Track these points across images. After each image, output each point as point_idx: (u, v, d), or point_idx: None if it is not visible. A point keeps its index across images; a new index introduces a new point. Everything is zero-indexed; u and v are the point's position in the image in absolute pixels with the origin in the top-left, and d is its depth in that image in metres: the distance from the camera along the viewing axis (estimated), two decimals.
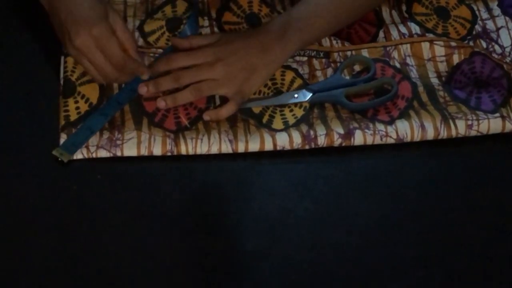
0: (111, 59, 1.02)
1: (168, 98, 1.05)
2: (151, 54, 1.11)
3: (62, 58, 1.08)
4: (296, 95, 1.08)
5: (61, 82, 1.07)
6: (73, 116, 1.04)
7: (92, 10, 1.01)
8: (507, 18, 1.19)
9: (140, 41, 1.12)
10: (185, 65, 1.07)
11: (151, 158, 1.02)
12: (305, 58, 1.12)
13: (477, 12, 1.20)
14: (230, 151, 1.03)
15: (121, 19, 1.04)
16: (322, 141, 1.04)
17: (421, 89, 1.10)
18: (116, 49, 1.02)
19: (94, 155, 1.01)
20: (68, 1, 1.01)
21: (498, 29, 1.18)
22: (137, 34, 1.13)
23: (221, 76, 1.05)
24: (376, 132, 1.05)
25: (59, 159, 1.00)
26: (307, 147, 1.04)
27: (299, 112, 1.07)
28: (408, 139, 1.05)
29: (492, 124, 1.06)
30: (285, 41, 1.08)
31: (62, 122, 1.03)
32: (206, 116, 1.05)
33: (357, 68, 1.12)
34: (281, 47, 1.07)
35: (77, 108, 1.05)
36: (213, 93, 1.07)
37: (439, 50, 1.13)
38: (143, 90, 1.06)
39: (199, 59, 1.06)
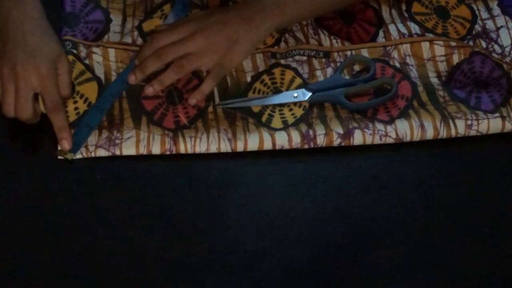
0: (46, 100, 1.00)
1: (154, 82, 1.05)
2: None
3: None
4: (295, 95, 1.08)
5: None
6: (72, 117, 1.03)
7: (48, 47, 1.01)
8: (507, 18, 1.19)
9: (140, 41, 1.12)
10: (168, 43, 1.06)
11: (151, 158, 1.02)
12: (304, 58, 1.12)
13: (477, 11, 1.20)
14: (229, 150, 1.03)
15: (69, 64, 1.04)
16: (321, 140, 1.04)
17: (420, 88, 1.10)
18: (55, 91, 1.01)
19: (93, 154, 1.01)
20: (23, 30, 1.00)
21: (498, 28, 1.18)
22: (136, 33, 1.13)
23: (202, 47, 1.05)
24: (376, 132, 1.05)
25: (63, 157, 1.00)
26: (306, 146, 1.04)
27: (299, 112, 1.07)
28: (408, 138, 1.05)
29: (491, 124, 1.06)
30: (266, 14, 1.07)
31: None
32: (192, 100, 1.05)
33: (356, 68, 1.12)
34: (261, 20, 1.07)
35: (76, 108, 1.04)
36: (195, 66, 1.06)
37: (439, 49, 1.13)
38: (132, 79, 1.06)
39: (180, 33, 1.06)
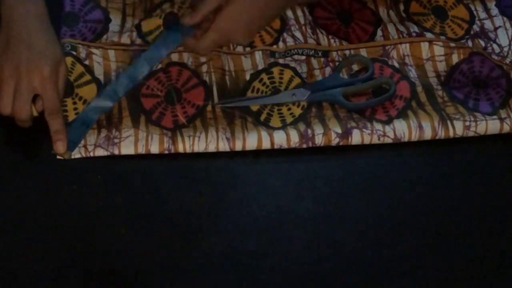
0: (46, 102, 0.99)
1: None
2: None
3: None
4: (294, 94, 1.08)
5: None
6: (71, 117, 1.03)
7: (52, 49, 0.99)
8: (505, 18, 1.19)
9: (138, 41, 1.11)
10: None
11: (151, 158, 1.02)
12: (303, 57, 1.12)
13: (474, 12, 1.20)
14: (227, 149, 1.03)
15: (67, 70, 1.02)
16: (319, 140, 1.04)
17: (419, 88, 1.10)
18: (56, 95, 0.99)
19: (91, 154, 1.01)
20: (29, 29, 0.99)
21: (496, 29, 1.18)
22: (135, 33, 1.12)
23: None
24: (374, 131, 1.05)
25: (61, 157, 1.00)
26: (304, 146, 1.04)
27: (297, 111, 1.07)
28: (406, 139, 1.05)
29: (489, 126, 1.06)
30: None
31: None
32: (188, 19, 1.05)
33: (355, 67, 1.12)
34: None
35: (75, 109, 1.04)
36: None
37: (438, 49, 1.13)
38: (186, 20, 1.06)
39: None
